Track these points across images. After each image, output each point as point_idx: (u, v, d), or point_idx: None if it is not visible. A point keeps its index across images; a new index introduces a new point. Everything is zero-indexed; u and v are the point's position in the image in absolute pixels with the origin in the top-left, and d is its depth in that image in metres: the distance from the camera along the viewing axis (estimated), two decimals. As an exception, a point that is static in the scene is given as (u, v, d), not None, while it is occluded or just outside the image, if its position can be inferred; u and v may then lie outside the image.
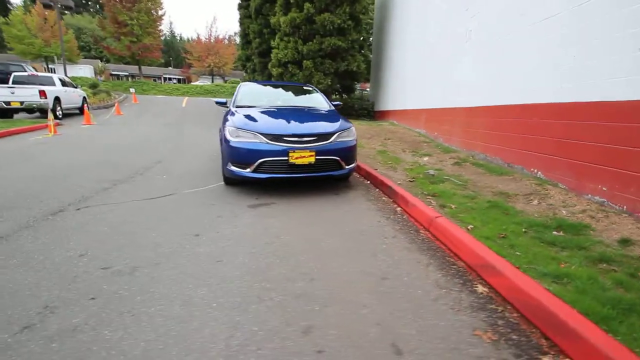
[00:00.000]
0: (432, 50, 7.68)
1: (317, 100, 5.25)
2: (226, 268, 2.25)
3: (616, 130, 3.10)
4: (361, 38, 13.38)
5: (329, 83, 13.31)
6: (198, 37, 42.50)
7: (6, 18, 27.94)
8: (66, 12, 25.68)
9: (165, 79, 46.18)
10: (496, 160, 5.12)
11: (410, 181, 4.57)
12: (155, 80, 39.72)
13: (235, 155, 3.80)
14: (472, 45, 5.89)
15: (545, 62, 4.12)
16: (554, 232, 2.73)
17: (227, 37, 43.66)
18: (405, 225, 3.11)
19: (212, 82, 41.31)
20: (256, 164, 3.70)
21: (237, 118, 4.11)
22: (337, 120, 4.26)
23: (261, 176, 3.74)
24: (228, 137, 3.87)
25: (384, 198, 3.98)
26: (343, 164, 3.99)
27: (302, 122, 4.01)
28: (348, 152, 4.02)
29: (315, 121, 4.11)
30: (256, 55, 16.44)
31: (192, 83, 38.48)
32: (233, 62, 43.80)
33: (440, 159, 5.92)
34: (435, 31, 7.52)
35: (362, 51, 15.47)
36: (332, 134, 3.92)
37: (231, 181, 4.24)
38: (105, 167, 5.35)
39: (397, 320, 1.71)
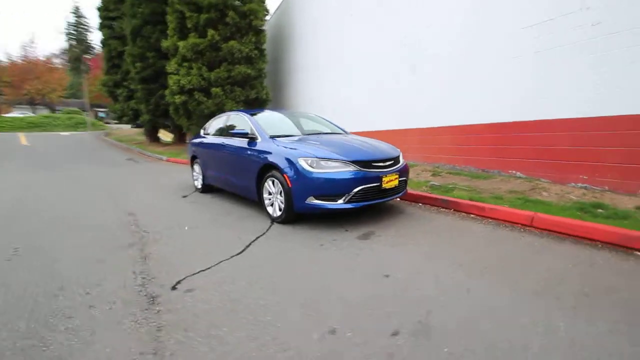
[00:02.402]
0: (378, 82, 8.69)
1: (330, 125, 5.26)
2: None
3: (585, 136, 4.51)
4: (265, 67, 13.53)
5: (241, 111, 12.86)
6: (9, 60, 32.78)
7: None
8: None
9: (-47, 111, 33.26)
10: (467, 168, 6.30)
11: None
12: None
13: (322, 187, 3.48)
14: (424, 76, 7.08)
15: (517, 86, 5.49)
16: (598, 210, 3.75)
17: (52, 59, 35.32)
18: (505, 227, 3.60)
19: (35, 112, 32.60)
20: (352, 193, 3.50)
21: (307, 147, 3.78)
22: (386, 143, 4.45)
23: (354, 206, 3.56)
24: (307, 169, 3.51)
25: (443, 210, 4.38)
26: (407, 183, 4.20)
27: (369, 147, 4.02)
28: (408, 172, 4.26)
29: (375, 145, 4.18)
30: (136, 82, 14.24)
31: (5, 115, 29.15)
32: (63, 88, 35.88)
33: (414, 172, 6.76)
34: (378, 66, 8.57)
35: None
36: (399, 156, 4.09)
37: (290, 218, 3.79)
38: (73, 231, 3.81)
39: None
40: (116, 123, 19.44)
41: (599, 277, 2.41)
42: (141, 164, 11.11)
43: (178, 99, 12.09)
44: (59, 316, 2.08)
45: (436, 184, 5.59)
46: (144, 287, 2.45)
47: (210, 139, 5.47)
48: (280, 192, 3.78)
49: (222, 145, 4.98)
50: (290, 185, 3.63)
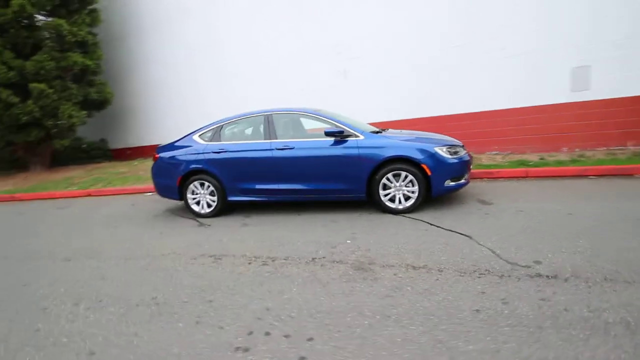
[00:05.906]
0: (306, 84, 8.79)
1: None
2: None
3: (495, 122, 7.12)
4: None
5: (84, 117, 9.49)
6: None
7: None
8: None
9: None
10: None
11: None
12: None
13: (457, 170, 4.06)
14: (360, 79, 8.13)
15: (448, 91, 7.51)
16: (530, 162, 6.23)
17: None
18: (518, 181, 5.37)
19: None
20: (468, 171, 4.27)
21: (434, 138, 4.30)
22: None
23: (468, 180, 4.34)
24: (446, 156, 3.98)
25: (461, 180, 5.73)
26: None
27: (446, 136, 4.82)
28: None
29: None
30: None
31: None
32: None
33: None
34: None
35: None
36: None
37: (418, 205, 4.10)
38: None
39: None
40: None
41: (620, 189, 4.47)
42: None
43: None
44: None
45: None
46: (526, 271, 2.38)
47: (242, 146, 4.40)
48: (412, 182, 3.97)
49: (284, 149, 4.23)
50: (430, 173, 3.92)
